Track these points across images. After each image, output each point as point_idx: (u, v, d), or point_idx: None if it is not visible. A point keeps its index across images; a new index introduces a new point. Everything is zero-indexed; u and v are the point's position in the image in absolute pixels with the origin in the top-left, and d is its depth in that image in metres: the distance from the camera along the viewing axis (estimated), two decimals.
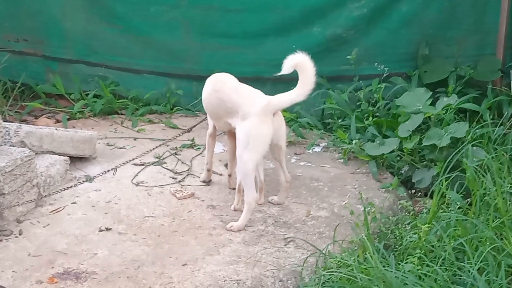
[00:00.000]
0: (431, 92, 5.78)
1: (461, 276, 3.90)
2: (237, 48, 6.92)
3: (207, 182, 5.45)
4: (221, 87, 5.07)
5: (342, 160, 5.85)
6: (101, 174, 5.50)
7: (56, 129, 5.62)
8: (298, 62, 4.70)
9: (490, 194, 4.43)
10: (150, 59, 7.10)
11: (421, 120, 5.53)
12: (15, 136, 5.31)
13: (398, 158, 5.63)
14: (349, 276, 3.91)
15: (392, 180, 5.42)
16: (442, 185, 4.58)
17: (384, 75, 6.43)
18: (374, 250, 4.01)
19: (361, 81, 6.55)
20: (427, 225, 4.24)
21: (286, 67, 4.74)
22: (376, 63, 6.44)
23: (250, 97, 4.88)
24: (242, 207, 4.87)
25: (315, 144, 6.11)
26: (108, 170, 5.57)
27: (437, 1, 6.69)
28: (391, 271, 3.82)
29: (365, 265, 3.96)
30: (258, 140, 4.70)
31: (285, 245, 4.62)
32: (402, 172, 5.54)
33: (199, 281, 4.20)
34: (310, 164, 5.82)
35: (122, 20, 7.06)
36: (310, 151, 6.06)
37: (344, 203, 5.15)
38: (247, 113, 4.75)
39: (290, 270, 4.34)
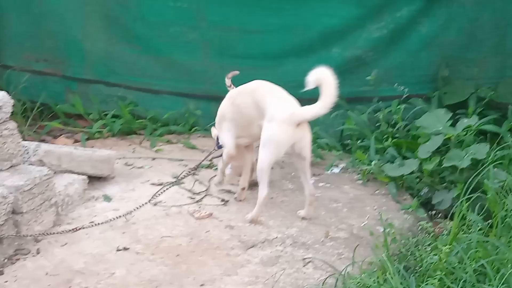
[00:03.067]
0: (452, 113, 5.74)
1: None
2: (256, 69, 6.88)
3: (239, 199, 5.50)
4: (257, 87, 5.21)
5: (361, 182, 5.82)
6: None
7: (75, 148, 5.63)
8: (320, 76, 4.84)
9: None
10: (169, 79, 7.11)
11: (441, 141, 5.48)
12: (34, 155, 5.32)
13: (418, 179, 5.58)
14: None
15: (412, 202, 5.37)
16: (462, 207, 4.51)
17: (404, 96, 6.39)
18: (394, 271, 3.95)
19: (380, 102, 6.52)
20: (448, 246, 4.17)
21: (310, 82, 4.87)
22: (396, 84, 6.41)
23: (281, 102, 5.03)
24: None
25: (334, 165, 6.09)
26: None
27: (457, 23, 6.67)
28: None
29: (385, 286, 3.90)
30: (274, 145, 4.92)
31: (304, 266, 4.57)
32: (422, 194, 5.48)
33: None
34: (329, 185, 5.79)
35: (141, 41, 7.08)
36: (329, 172, 6.03)
37: (363, 224, 5.10)
38: (272, 116, 4.94)
39: None
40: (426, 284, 3.98)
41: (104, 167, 5.69)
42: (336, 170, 6.06)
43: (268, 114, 4.98)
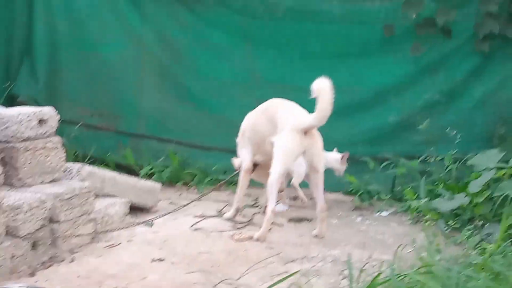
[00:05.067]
0: (505, 152, 5.55)
1: None
2: None
3: (232, 219, 5.48)
4: (270, 105, 5.34)
5: (409, 222, 5.63)
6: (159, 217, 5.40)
7: (119, 173, 5.58)
8: (318, 87, 4.89)
9: None
10: (221, 136, 7.08)
11: (492, 175, 5.28)
12: (77, 175, 5.26)
13: (468, 215, 5.35)
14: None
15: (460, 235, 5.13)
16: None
17: (455, 152, 6.24)
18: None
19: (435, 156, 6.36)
20: (491, 245, 3.95)
21: (312, 91, 4.93)
22: (448, 128, 6.28)
23: (290, 114, 5.10)
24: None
25: (383, 210, 5.92)
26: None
27: None
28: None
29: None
30: (283, 152, 4.96)
31: (344, 278, 4.36)
32: (472, 227, 5.21)
33: None
34: (376, 223, 5.64)
35: (195, 98, 7.16)
36: (377, 214, 5.85)
37: (409, 251, 4.86)
38: (282, 128, 5.02)
39: None
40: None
41: (148, 197, 5.64)
42: (385, 213, 5.90)
43: (279, 128, 5.08)
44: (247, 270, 4.43)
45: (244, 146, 5.51)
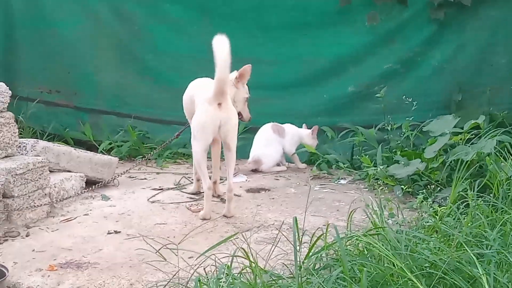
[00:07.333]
0: (459, 118, 5.57)
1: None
2: (268, 99, 6.88)
3: (196, 193, 5.46)
4: (190, 86, 5.30)
5: (367, 189, 5.64)
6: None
7: (74, 148, 5.55)
8: (214, 48, 4.72)
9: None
10: (180, 110, 7.04)
11: (447, 140, 5.30)
12: (32, 151, 5.24)
13: (424, 180, 5.37)
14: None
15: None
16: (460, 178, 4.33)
17: (412, 119, 6.25)
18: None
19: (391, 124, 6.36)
20: (444, 207, 3.97)
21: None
22: (404, 96, 6.30)
23: (203, 90, 4.95)
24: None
25: (341, 178, 5.93)
26: None
27: (470, 48, 6.64)
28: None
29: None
30: (198, 128, 4.81)
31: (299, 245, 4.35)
32: (427, 192, 5.22)
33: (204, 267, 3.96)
34: (333, 191, 5.64)
35: (153, 72, 7.12)
36: (335, 183, 5.87)
37: (364, 217, 4.88)
38: (197, 104, 4.92)
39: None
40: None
41: (105, 171, 5.60)
42: (343, 181, 5.92)
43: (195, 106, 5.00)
44: (189, 233, 4.46)
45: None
